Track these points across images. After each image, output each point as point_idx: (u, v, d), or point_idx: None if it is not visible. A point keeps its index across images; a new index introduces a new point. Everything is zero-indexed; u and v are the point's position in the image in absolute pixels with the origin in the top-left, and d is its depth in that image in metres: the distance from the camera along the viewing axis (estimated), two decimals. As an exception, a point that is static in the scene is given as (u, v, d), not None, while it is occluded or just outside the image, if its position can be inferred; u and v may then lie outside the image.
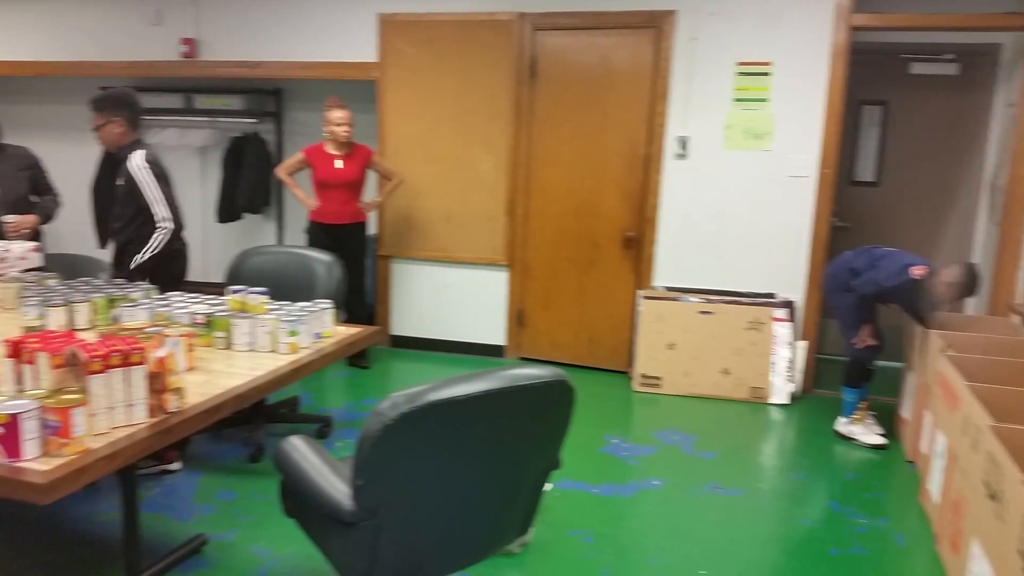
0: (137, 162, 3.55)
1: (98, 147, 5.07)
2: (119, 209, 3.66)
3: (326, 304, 2.97)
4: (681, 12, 4.79)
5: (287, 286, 3.58)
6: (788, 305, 4.78)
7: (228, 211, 6.25)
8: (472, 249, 5.40)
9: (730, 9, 4.73)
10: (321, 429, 4.02)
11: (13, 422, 1.77)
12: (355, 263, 4.92)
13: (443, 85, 5.26)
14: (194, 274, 4.99)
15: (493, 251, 5.35)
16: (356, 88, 5.51)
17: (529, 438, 2.02)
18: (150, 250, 3.58)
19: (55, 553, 2.89)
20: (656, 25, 4.83)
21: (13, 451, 1.78)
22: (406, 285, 5.61)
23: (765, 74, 4.72)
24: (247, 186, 6.13)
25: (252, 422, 3.80)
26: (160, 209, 3.56)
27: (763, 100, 4.75)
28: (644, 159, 4.98)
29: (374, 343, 3.40)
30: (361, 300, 5.07)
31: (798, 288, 4.86)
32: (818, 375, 5.02)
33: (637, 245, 5.08)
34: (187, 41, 5.71)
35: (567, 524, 3.20)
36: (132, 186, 3.55)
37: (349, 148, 4.88)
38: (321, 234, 4.89)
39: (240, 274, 3.78)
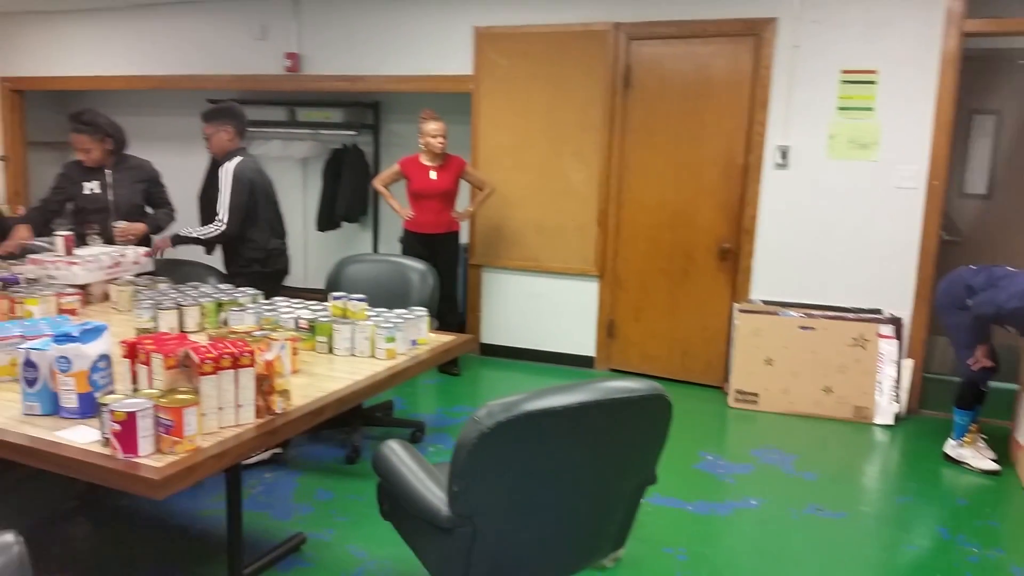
0: (228, 167, 3.88)
1: (205, 156, 5.30)
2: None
3: (421, 312, 3.01)
4: (782, 20, 4.68)
5: (383, 293, 3.65)
6: (895, 321, 4.59)
7: (327, 220, 6.44)
8: (563, 259, 5.38)
9: (833, 16, 4.59)
10: (414, 434, 4.08)
11: (130, 420, 1.84)
12: (448, 272, 4.98)
13: (536, 96, 5.28)
14: (295, 280, 5.15)
15: (584, 261, 5.33)
16: (451, 100, 5.59)
17: (625, 452, 1.99)
18: (196, 231, 3.92)
19: (164, 544, 3.01)
20: (756, 33, 4.72)
21: (130, 447, 1.86)
22: (497, 294, 5.64)
23: (871, 82, 4.56)
24: (346, 196, 6.31)
25: (349, 424, 3.88)
26: (222, 211, 3.83)
27: (868, 109, 4.58)
28: (742, 169, 4.87)
29: (466, 351, 3.42)
30: (453, 308, 5.13)
31: (905, 304, 4.66)
32: (925, 395, 4.79)
33: (733, 257, 4.97)
34: (291, 55, 5.91)
35: (661, 541, 3.14)
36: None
37: (443, 159, 4.95)
38: (415, 243, 4.97)
39: (339, 281, 3.87)
